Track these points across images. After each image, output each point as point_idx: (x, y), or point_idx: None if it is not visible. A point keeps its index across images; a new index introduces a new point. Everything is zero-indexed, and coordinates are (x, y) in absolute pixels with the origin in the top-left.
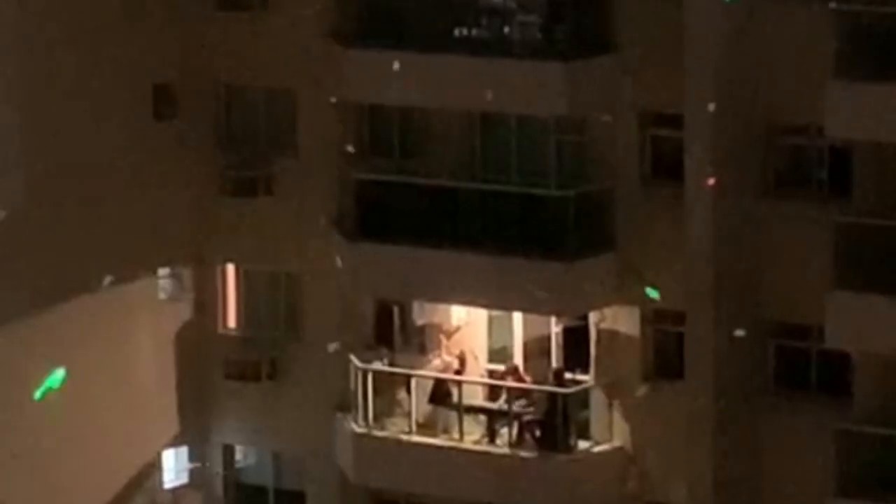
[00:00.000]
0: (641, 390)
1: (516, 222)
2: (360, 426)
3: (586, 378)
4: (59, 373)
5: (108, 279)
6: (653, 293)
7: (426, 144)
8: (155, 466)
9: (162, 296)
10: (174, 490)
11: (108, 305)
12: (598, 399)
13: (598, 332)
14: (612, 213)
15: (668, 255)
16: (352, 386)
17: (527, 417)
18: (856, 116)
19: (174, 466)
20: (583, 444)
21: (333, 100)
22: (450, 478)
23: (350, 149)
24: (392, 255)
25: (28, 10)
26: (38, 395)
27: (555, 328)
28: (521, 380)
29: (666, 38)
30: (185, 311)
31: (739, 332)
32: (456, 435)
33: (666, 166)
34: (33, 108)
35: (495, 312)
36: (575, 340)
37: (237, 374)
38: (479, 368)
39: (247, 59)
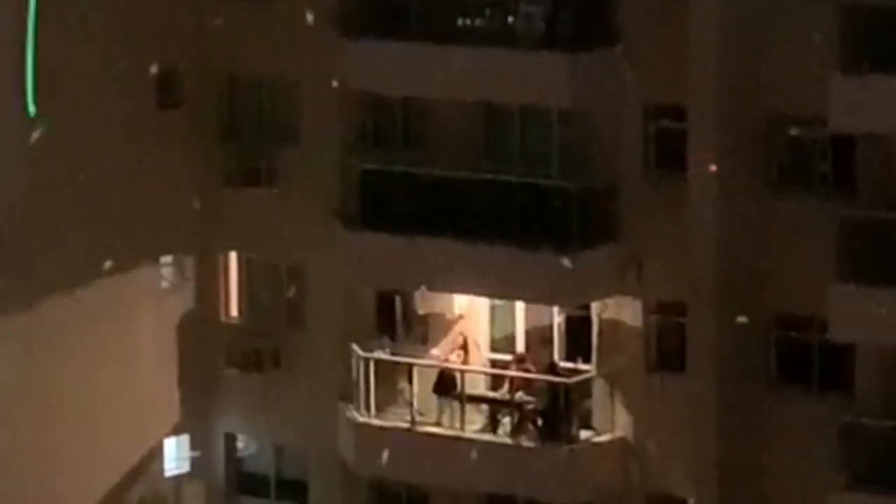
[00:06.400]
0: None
1: (519, 213)
2: (361, 415)
3: (588, 368)
4: None
5: (108, 263)
6: None
7: (429, 135)
8: (156, 455)
9: (164, 284)
10: (175, 478)
11: (110, 293)
12: (600, 389)
13: (601, 322)
14: (615, 204)
15: (670, 246)
16: (353, 375)
17: (529, 407)
18: (859, 109)
19: (175, 455)
20: (585, 435)
21: (335, 84)
22: (451, 467)
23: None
24: (394, 245)
25: None
26: None
27: (557, 318)
28: (527, 369)
29: (670, 30)
30: (187, 300)
31: (742, 319)
32: (458, 424)
33: (669, 158)
34: (38, 96)
35: (497, 302)
36: (577, 330)
37: (239, 363)
38: (481, 358)
39: (251, 49)
